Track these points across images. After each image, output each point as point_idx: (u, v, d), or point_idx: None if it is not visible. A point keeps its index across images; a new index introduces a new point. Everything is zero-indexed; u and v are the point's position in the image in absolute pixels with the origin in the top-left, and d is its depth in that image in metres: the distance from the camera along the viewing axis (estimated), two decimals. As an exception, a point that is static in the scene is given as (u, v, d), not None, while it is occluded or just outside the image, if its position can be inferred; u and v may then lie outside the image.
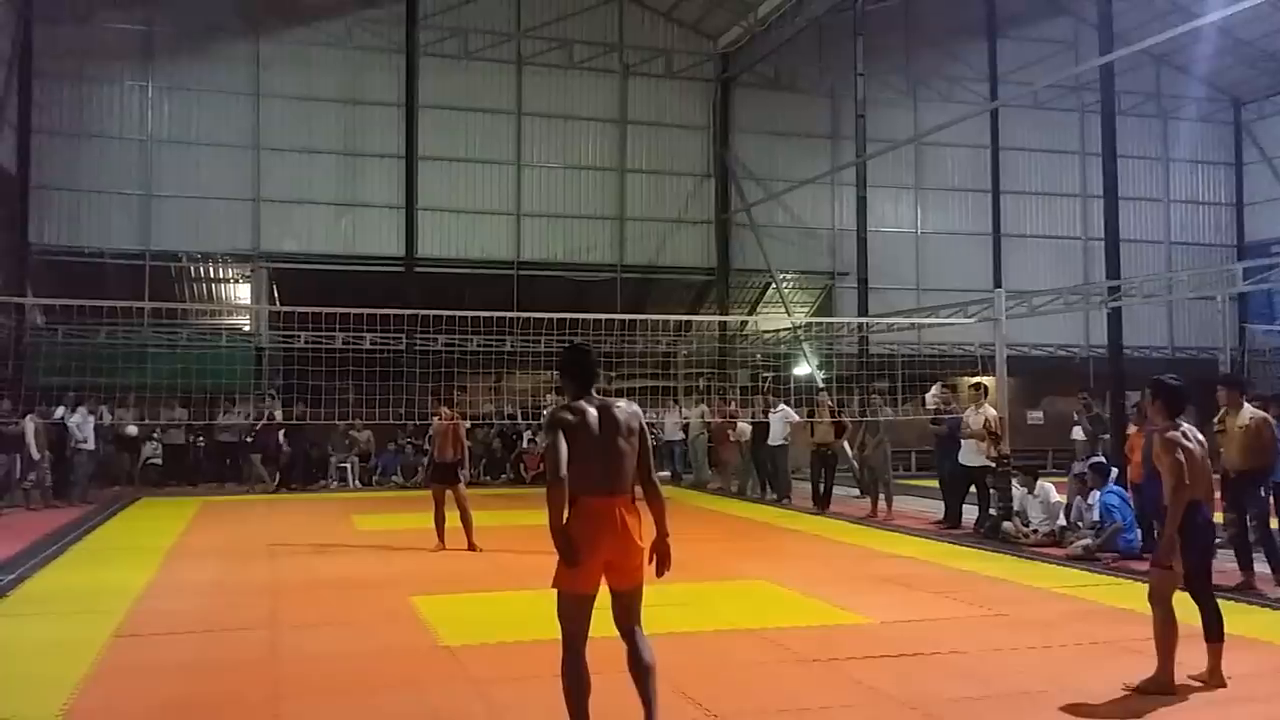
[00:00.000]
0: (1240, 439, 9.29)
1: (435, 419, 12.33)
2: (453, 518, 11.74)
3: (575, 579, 4.74)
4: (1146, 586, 6.19)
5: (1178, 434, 5.99)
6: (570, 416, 4.74)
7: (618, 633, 4.85)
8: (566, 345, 5.05)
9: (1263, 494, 9.47)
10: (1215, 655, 6.05)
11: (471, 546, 11.59)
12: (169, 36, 22.64)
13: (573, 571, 4.72)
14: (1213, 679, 6.03)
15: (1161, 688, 5.88)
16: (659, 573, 4.85)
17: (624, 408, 4.90)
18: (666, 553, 4.89)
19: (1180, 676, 5.97)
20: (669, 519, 4.92)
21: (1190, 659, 6.11)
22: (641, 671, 4.83)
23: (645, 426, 4.92)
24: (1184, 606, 6.09)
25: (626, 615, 4.86)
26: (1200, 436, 6.16)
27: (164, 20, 22.52)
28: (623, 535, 4.74)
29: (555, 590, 4.81)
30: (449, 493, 11.85)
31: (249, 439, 19.25)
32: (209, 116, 22.85)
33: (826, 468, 15.68)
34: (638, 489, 4.93)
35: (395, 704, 5.78)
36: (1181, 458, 5.85)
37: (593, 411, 4.79)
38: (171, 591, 9.21)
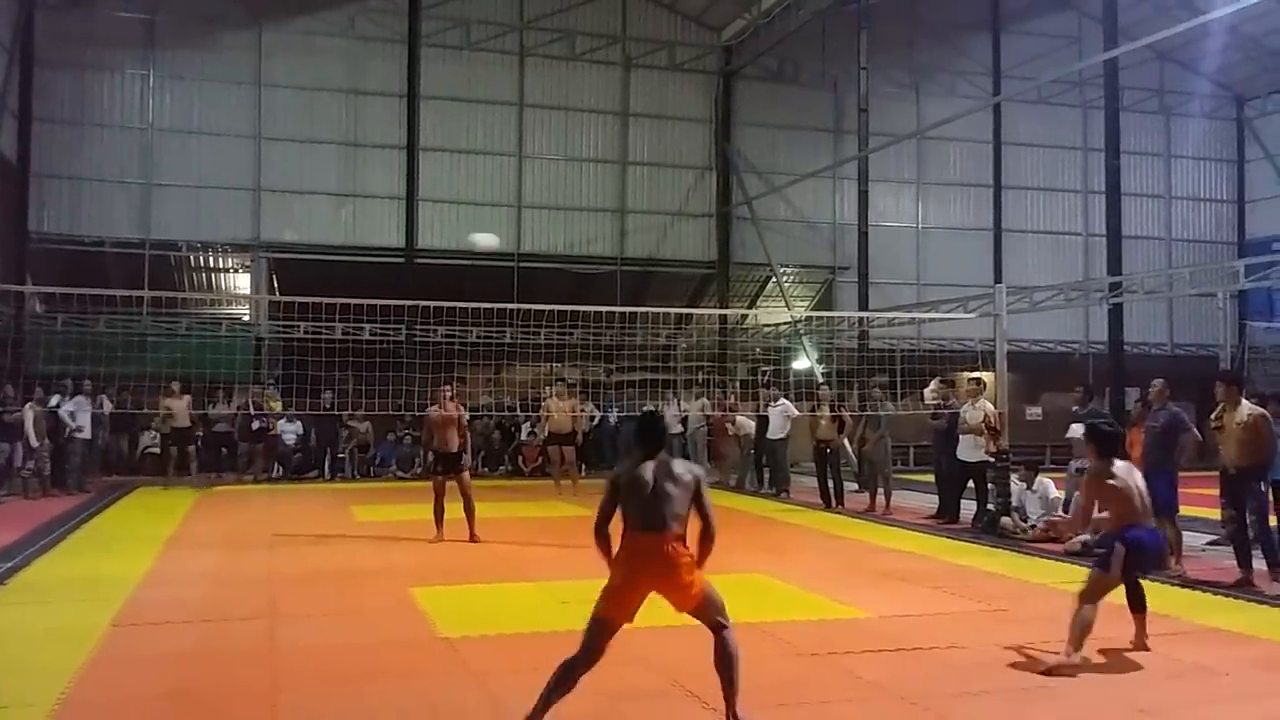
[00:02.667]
0: (1239, 435, 9.29)
1: (434, 407, 12.30)
2: (454, 508, 11.74)
3: (607, 604, 5.18)
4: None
5: (1098, 477, 6.87)
6: (623, 475, 5.31)
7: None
8: (643, 414, 5.68)
9: (1261, 489, 9.47)
10: (1140, 624, 6.95)
11: (473, 537, 11.60)
12: (171, 25, 22.56)
13: (608, 598, 5.18)
14: (1138, 643, 6.89)
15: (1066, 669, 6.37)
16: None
17: (681, 464, 5.37)
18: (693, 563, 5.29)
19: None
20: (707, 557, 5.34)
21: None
22: (720, 663, 5.31)
23: (702, 481, 5.34)
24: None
25: (706, 620, 5.37)
26: (1136, 472, 6.98)
27: (166, 8, 22.44)
28: (661, 563, 5.17)
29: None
30: (452, 483, 11.85)
31: (254, 428, 19.22)
32: (210, 105, 22.81)
33: (830, 464, 15.67)
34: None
35: (394, 695, 5.78)
36: (1093, 501, 6.90)
37: (649, 465, 5.27)
38: (170, 581, 9.22)
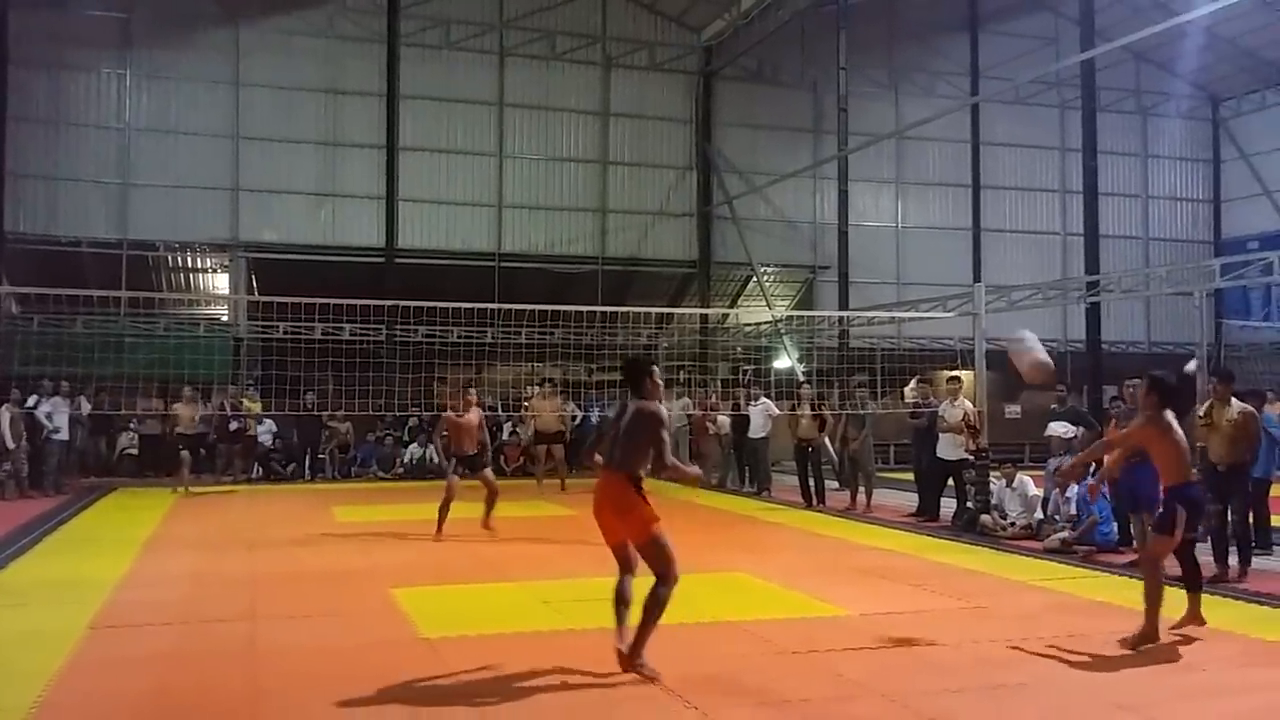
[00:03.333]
0: (1228, 432, 9.39)
1: (451, 413, 12.34)
2: (458, 508, 11.80)
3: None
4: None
5: (1156, 425, 6.94)
6: (607, 419, 6.51)
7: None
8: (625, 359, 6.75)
9: (1247, 487, 9.55)
10: (1194, 602, 7.20)
11: (486, 524, 11.86)
12: (147, 24, 22.40)
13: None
14: (1192, 618, 7.18)
15: (1147, 638, 6.75)
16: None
17: (649, 407, 6.21)
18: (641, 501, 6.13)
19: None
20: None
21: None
22: (647, 606, 6.03)
23: (661, 422, 6.17)
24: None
25: (649, 565, 6.13)
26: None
27: (142, 7, 22.28)
28: (614, 498, 6.16)
29: None
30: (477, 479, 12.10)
31: (231, 429, 19.11)
32: (187, 105, 22.67)
33: (811, 463, 15.71)
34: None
35: (375, 696, 5.76)
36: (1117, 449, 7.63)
37: (623, 408, 6.31)
38: (149, 582, 9.16)
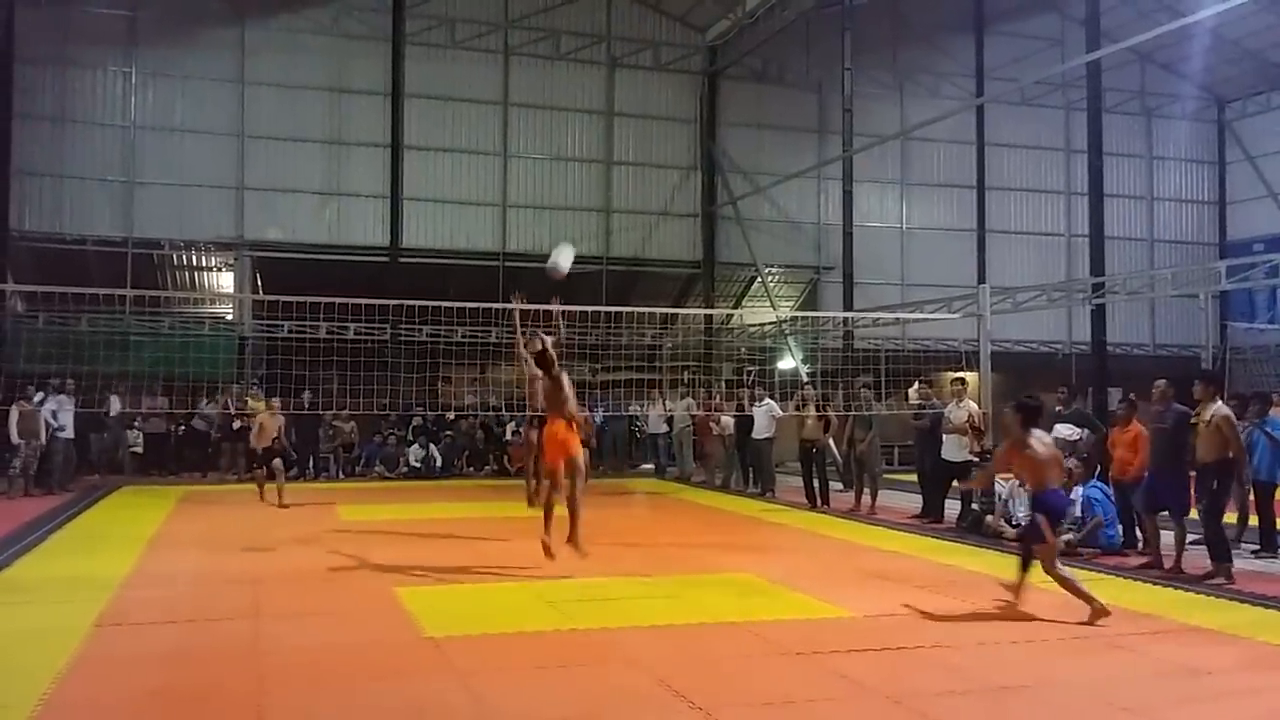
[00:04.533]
0: (1205, 434, 9.44)
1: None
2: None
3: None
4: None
5: (1019, 447, 7.96)
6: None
7: None
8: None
9: (1215, 488, 9.51)
10: (1020, 582, 7.91)
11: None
12: (153, 22, 22.42)
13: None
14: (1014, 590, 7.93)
15: (1100, 614, 7.44)
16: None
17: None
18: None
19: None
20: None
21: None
22: (570, 508, 9.21)
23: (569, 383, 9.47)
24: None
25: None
26: (1048, 439, 8.22)
27: (148, 5, 22.30)
28: (559, 434, 9.24)
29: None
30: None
31: (235, 428, 19.10)
32: (193, 103, 22.68)
33: (815, 464, 15.70)
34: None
35: (379, 695, 5.77)
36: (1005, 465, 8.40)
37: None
38: (154, 580, 9.17)
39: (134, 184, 22.26)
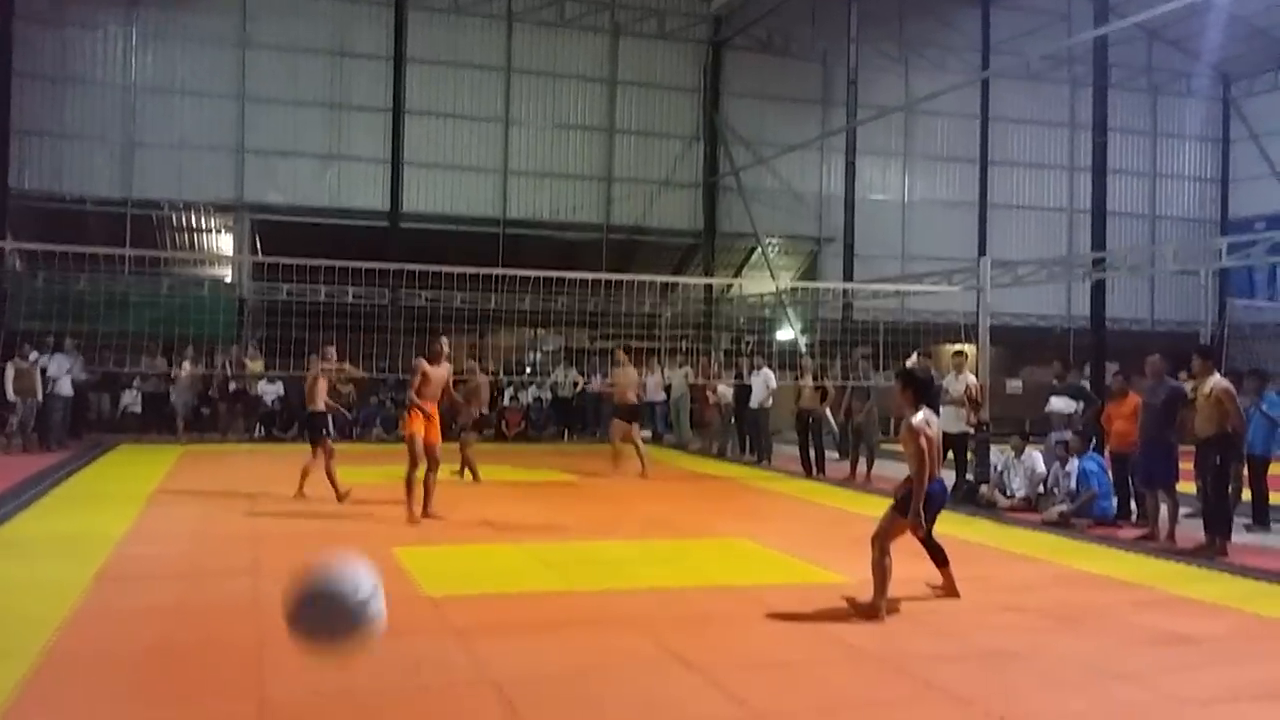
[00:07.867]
0: (1203, 407, 9.48)
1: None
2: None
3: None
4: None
5: (921, 421, 7.08)
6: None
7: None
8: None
9: (1217, 462, 9.57)
10: (948, 577, 7.39)
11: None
12: (154, -19, 22.29)
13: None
14: (949, 590, 7.37)
15: (873, 614, 6.76)
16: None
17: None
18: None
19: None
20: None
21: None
22: (426, 483, 10.62)
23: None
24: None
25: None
26: (935, 421, 7.32)
27: (149, -36, 22.17)
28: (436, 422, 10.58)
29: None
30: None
31: (232, 389, 19.15)
32: (193, 65, 22.56)
33: (812, 433, 15.75)
34: None
35: (378, 652, 5.80)
36: (923, 444, 6.95)
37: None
38: (153, 537, 9.22)
39: (134, 144, 22.17)
